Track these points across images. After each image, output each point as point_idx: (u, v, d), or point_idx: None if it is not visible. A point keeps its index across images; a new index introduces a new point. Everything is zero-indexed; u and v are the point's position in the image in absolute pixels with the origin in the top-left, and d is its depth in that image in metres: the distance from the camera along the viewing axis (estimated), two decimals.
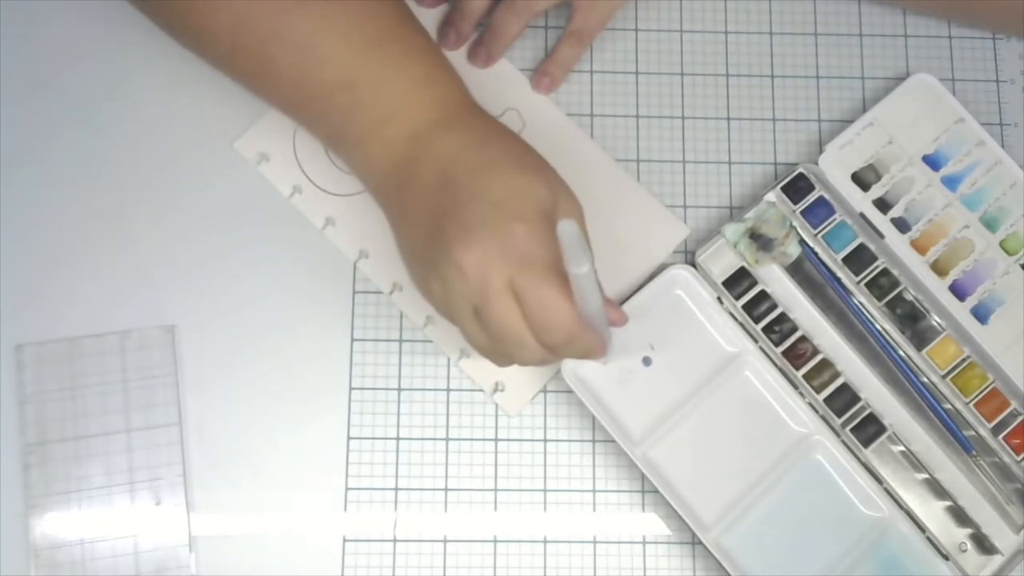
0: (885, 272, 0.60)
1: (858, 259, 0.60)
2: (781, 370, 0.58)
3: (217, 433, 0.57)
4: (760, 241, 0.60)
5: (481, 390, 0.59)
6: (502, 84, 0.63)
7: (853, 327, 0.60)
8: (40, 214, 0.59)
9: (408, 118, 0.50)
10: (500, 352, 0.49)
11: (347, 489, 0.57)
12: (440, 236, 0.47)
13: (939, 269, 0.60)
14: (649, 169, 0.62)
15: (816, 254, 0.60)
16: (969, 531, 0.57)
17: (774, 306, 0.59)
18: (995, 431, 0.58)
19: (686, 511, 0.55)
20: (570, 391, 0.57)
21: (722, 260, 0.59)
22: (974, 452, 0.58)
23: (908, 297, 0.60)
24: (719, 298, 0.59)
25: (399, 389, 0.58)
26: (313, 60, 0.50)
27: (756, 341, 0.59)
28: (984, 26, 0.66)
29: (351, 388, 0.58)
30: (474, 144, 0.50)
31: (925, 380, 0.59)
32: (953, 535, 0.57)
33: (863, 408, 0.58)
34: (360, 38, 0.51)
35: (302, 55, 0.51)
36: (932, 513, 0.57)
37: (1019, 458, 0.58)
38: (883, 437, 0.58)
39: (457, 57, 0.63)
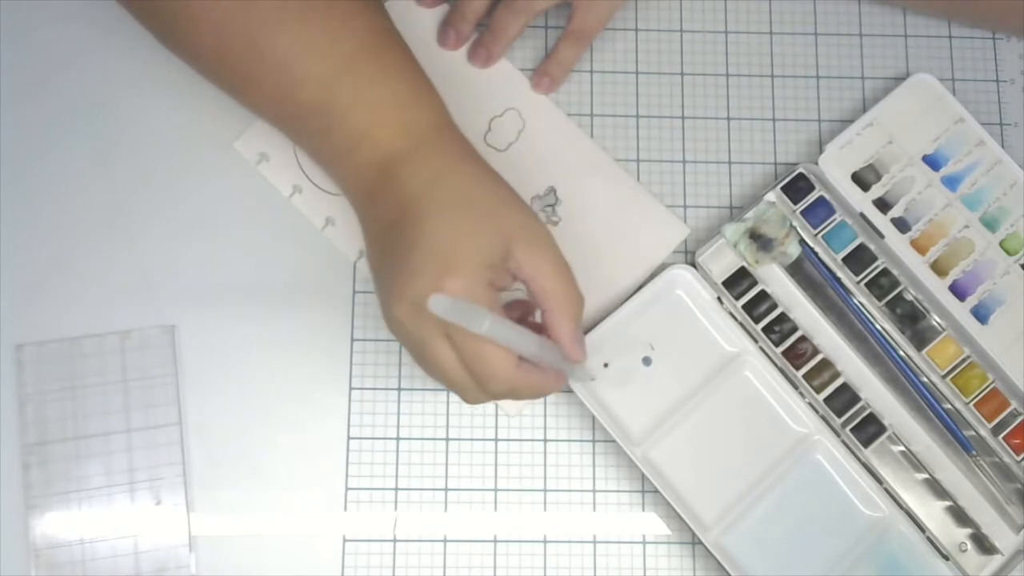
0: (885, 272, 0.60)
1: (858, 259, 0.60)
2: (781, 370, 0.58)
3: (217, 433, 0.57)
4: (760, 241, 0.60)
5: None
6: (502, 84, 0.63)
7: (853, 327, 0.60)
8: (40, 214, 0.59)
9: (375, 145, 0.49)
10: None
11: (347, 489, 0.57)
12: (384, 279, 0.47)
13: (939, 269, 0.60)
14: (649, 169, 0.62)
15: (816, 254, 0.60)
16: (969, 531, 0.57)
17: (774, 306, 0.59)
18: (995, 431, 0.58)
19: (686, 511, 0.55)
20: (570, 391, 0.57)
21: (722, 260, 0.59)
22: (974, 452, 0.58)
23: (908, 297, 0.60)
24: (719, 298, 0.59)
25: (399, 389, 0.58)
26: (289, 79, 0.50)
27: (756, 341, 0.59)
28: (984, 25, 0.66)
29: (351, 388, 0.58)
30: (430, 182, 0.48)
31: (925, 380, 0.59)
32: (953, 535, 0.57)
33: (863, 408, 0.58)
34: (335, 58, 0.50)
35: (280, 73, 0.50)
36: (932, 513, 0.57)
37: (1019, 458, 0.58)
38: (883, 437, 0.58)
39: (457, 57, 0.63)
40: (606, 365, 0.58)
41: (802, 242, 0.60)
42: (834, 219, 0.60)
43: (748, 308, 0.59)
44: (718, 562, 0.55)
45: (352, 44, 0.50)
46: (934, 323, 0.60)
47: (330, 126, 0.50)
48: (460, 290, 0.44)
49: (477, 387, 0.46)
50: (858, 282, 0.60)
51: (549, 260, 0.47)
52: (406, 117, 0.50)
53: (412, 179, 0.48)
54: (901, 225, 0.60)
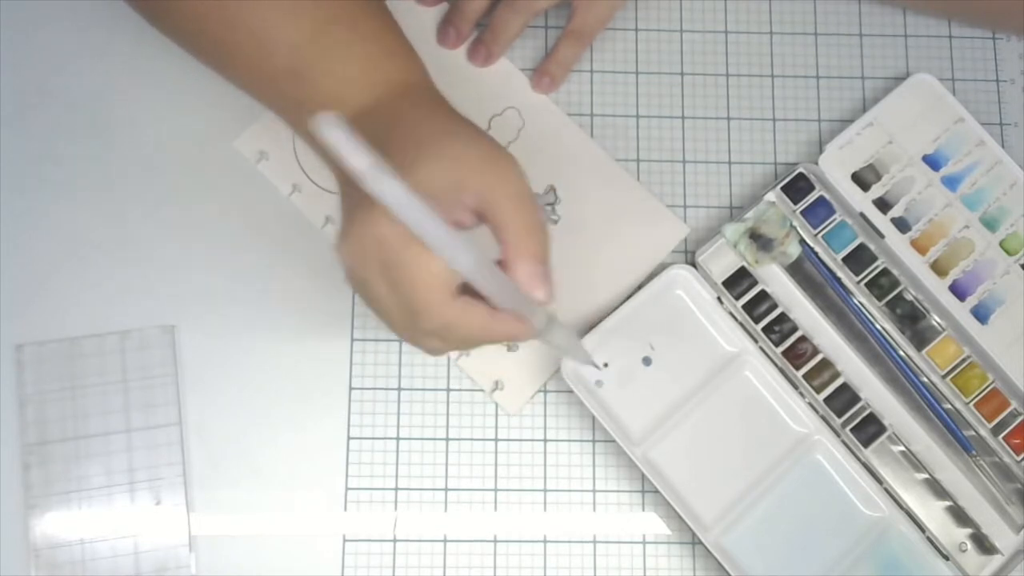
0: (885, 272, 0.60)
1: (858, 259, 0.60)
2: (781, 370, 0.58)
3: (217, 433, 0.57)
4: (760, 241, 0.60)
5: (481, 389, 0.59)
6: (502, 83, 0.63)
7: (853, 327, 0.60)
8: (40, 214, 0.59)
9: (343, 106, 0.49)
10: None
11: (347, 489, 0.57)
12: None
13: (939, 269, 0.60)
14: (649, 169, 0.62)
15: (816, 254, 0.60)
16: (969, 531, 0.57)
17: (774, 306, 0.59)
18: (995, 431, 0.58)
19: (686, 511, 0.55)
20: (570, 391, 0.57)
21: (722, 260, 0.59)
22: (974, 452, 0.58)
23: (908, 297, 0.60)
24: (719, 298, 0.59)
25: (399, 389, 0.58)
26: (264, 48, 0.50)
27: (756, 341, 0.59)
28: (984, 25, 0.66)
29: (351, 388, 0.58)
30: (388, 125, 0.47)
31: (925, 380, 0.59)
32: (953, 535, 0.57)
33: (863, 408, 0.58)
34: (308, 23, 0.50)
35: (254, 42, 0.50)
36: (932, 513, 0.57)
37: (1019, 458, 0.58)
38: (883, 437, 0.58)
39: (457, 55, 0.63)
40: (606, 365, 0.58)
41: (802, 242, 0.60)
42: (834, 219, 0.60)
43: (748, 308, 0.59)
44: (718, 562, 0.55)
45: (325, 10, 0.50)
46: (934, 323, 0.60)
47: (304, 93, 0.50)
48: (394, 221, 0.40)
49: (415, 329, 0.43)
50: (858, 282, 0.60)
51: (506, 186, 0.43)
52: (375, 77, 0.50)
53: (371, 128, 0.45)
54: (901, 225, 0.60)
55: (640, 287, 0.59)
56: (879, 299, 0.59)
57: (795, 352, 0.59)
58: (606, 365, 0.58)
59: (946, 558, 0.56)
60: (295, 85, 0.50)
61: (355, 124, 0.45)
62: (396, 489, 0.57)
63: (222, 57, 0.52)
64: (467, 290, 0.43)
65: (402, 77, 0.51)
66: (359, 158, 0.37)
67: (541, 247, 0.44)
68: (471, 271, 0.41)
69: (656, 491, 0.55)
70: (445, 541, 0.57)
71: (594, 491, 0.58)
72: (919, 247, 0.60)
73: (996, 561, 0.57)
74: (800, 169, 0.61)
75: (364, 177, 0.37)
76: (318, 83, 0.50)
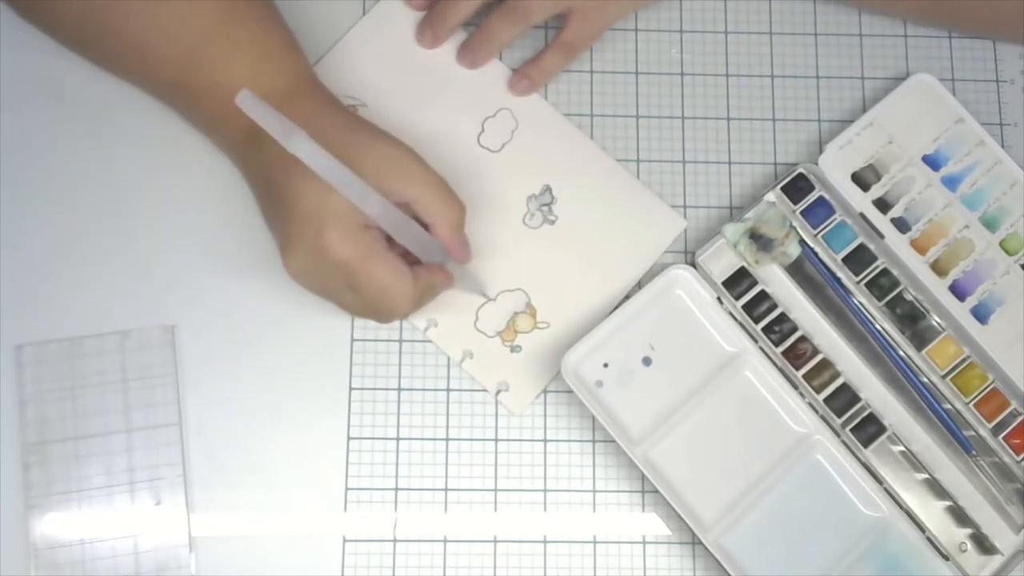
0: (885, 272, 0.60)
1: (858, 259, 0.60)
2: (781, 370, 0.58)
3: (217, 433, 0.57)
4: (760, 241, 0.60)
5: (484, 390, 0.59)
6: (495, 84, 0.63)
7: (853, 327, 0.60)
8: (40, 214, 0.59)
9: (235, 122, 0.51)
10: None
11: (347, 489, 0.57)
12: (276, 238, 0.52)
13: (939, 269, 0.60)
14: (649, 169, 0.62)
15: (816, 254, 0.60)
16: (969, 531, 0.57)
17: (774, 306, 0.59)
18: (995, 431, 0.58)
19: (686, 511, 0.55)
20: (570, 391, 0.57)
21: (722, 260, 0.59)
22: (974, 452, 0.58)
23: (908, 297, 0.60)
24: (719, 298, 0.59)
25: (399, 389, 0.58)
26: (147, 61, 0.53)
27: (756, 341, 0.59)
28: (982, 34, 0.66)
29: (351, 388, 0.58)
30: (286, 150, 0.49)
31: (925, 380, 0.59)
32: (953, 535, 0.57)
33: (863, 408, 0.58)
34: (187, 38, 0.52)
35: (137, 55, 0.53)
36: (932, 513, 0.57)
37: (1019, 458, 0.58)
38: (883, 437, 0.58)
39: (450, 58, 0.62)
40: (606, 365, 0.58)
41: (802, 242, 0.60)
42: (834, 219, 0.60)
43: (748, 308, 0.59)
44: (718, 562, 0.55)
45: (203, 24, 0.52)
46: (934, 323, 0.60)
47: (191, 103, 0.54)
48: (340, 239, 0.49)
49: (386, 317, 0.53)
50: (858, 282, 0.60)
51: (417, 180, 0.51)
52: (261, 87, 0.51)
53: (272, 146, 0.48)
54: (901, 225, 0.60)
55: (640, 287, 0.59)
56: (879, 299, 0.59)
57: (795, 352, 0.59)
58: (606, 365, 0.58)
59: (946, 558, 0.56)
60: (183, 96, 0.54)
61: (254, 140, 0.51)
62: (396, 489, 0.57)
63: (109, 65, 0.56)
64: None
65: (285, 82, 0.53)
66: (273, 124, 0.45)
67: (457, 217, 0.52)
68: (380, 215, 0.49)
69: (656, 491, 0.55)
70: (445, 541, 0.57)
71: (594, 491, 0.58)
72: (919, 247, 0.60)
73: (996, 561, 0.57)
74: (800, 169, 0.61)
75: (278, 138, 0.45)
76: (205, 98, 0.53)
